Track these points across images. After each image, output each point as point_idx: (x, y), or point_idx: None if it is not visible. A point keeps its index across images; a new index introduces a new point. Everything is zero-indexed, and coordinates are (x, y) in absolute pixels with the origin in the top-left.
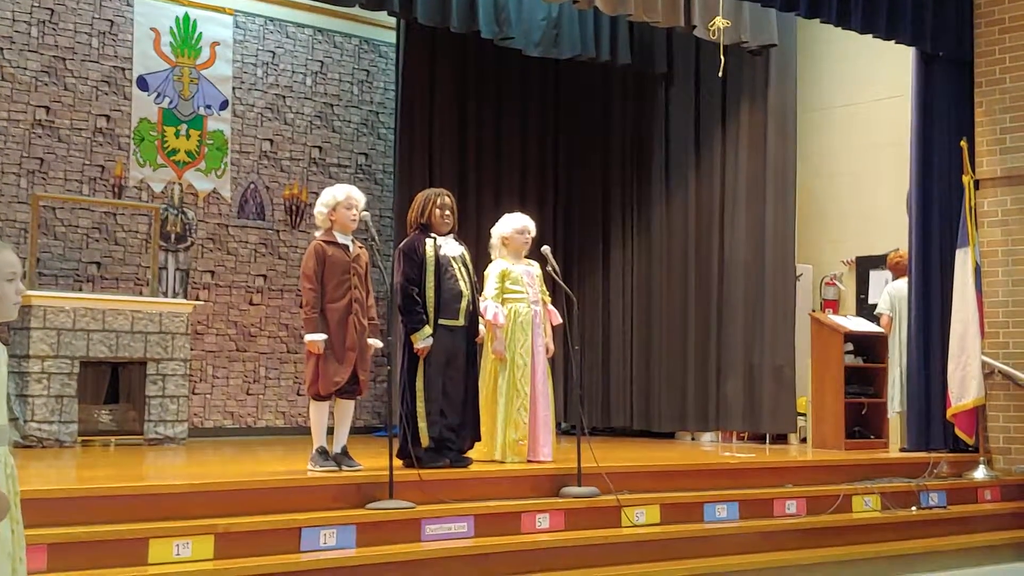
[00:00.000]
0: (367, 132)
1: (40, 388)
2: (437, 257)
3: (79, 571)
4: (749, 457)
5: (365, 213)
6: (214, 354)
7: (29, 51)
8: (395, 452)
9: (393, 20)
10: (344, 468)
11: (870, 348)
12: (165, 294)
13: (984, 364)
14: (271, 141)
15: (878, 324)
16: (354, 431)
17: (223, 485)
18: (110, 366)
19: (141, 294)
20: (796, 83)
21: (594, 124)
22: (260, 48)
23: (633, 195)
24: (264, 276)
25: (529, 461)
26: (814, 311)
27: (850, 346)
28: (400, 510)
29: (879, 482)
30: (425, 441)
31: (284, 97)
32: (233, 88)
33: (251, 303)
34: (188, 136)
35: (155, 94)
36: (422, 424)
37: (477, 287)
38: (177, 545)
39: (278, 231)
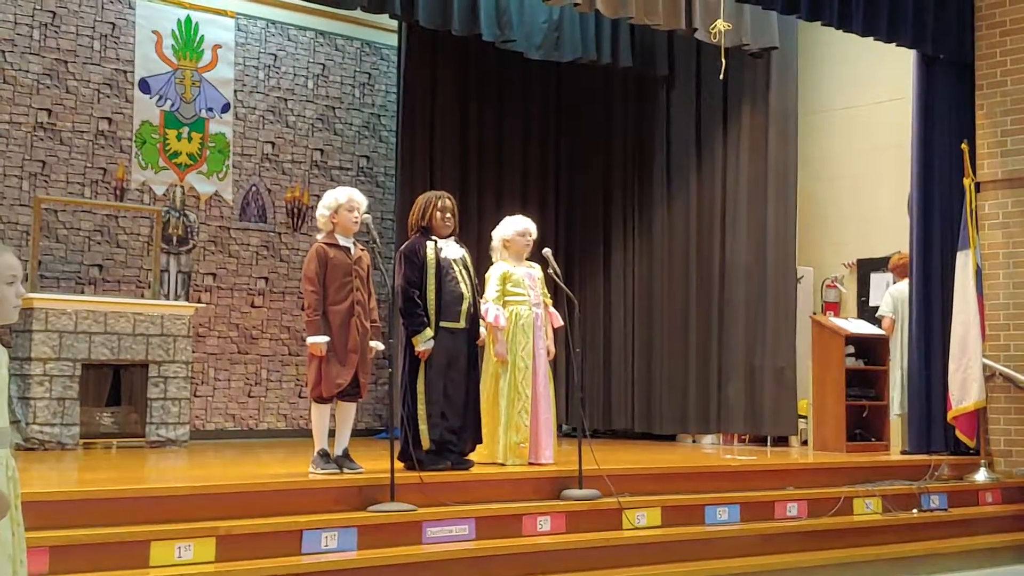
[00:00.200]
0: (369, 135)
1: (42, 390)
2: (438, 260)
3: (80, 573)
4: (750, 459)
5: (367, 215)
6: (216, 356)
7: (31, 54)
8: (396, 455)
9: (394, 23)
10: (345, 471)
11: (871, 350)
12: (167, 296)
13: (985, 367)
14: (273, 144)
15: (880, 326)
16: (355, 433)
17: (225, 487)
18: (112, 368)
19: (143, 297)
20: (797, 85)
21: (595, 127)
22: (262, 51)
23: (634, 197)
24: (266, 279)
25: (531, 463)
26: (815, 313)
27: (851, 348)
28: (401, 513)
29: (880, 484)
30: (426, 444)
31: (286, 100)
32: (235, 91)
33: (253, 305)
34: (190, 139)
35: (157, 97)
36: (423, 427)
37: (478, 289)
38: (179, 547)
39: (280, 234)
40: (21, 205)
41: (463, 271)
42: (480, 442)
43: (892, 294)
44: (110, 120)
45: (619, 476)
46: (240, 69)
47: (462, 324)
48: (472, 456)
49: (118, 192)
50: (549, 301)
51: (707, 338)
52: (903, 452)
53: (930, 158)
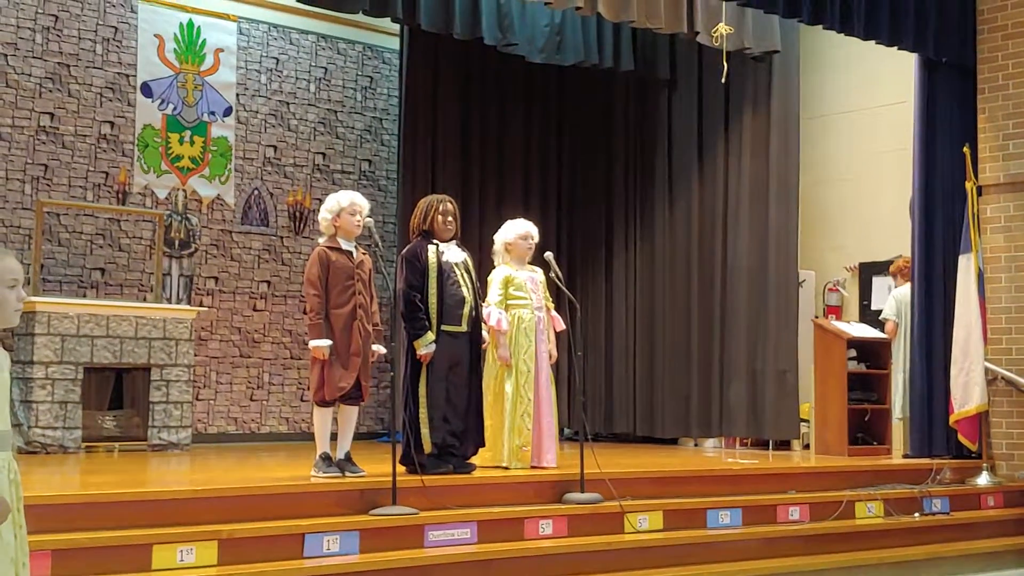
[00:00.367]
0: (370, 138)
1: (44, 394)
2: (440, 263)
3: None
4: (752, 463)
5: (369, 219)
6: (218, 360)
7: (33, 57)
8: (398, 458)
9: (396, 27)
10: (347, 474)
11: (873, 354)
12: (169, 300)
13: (987, 370)
14: (275, 147)
15: (883, 330)
16: (356, 437)
17: (227, 491)
18: (114, 372)
19: (145, 300)
20: (799, 89)
21: (597, 130)
22: (264, 55)
23: (636, 201)
24: (268, 282)
25: (533, 467)
26: (817, 317)
27: (853, 352)
28: (403, 516)
29: (882, 488)
30: (428, 447)
31: (288, 103)
32: (237, 94)
33: (255, 309)
34: (192, 142)
35: (159, 100)
36: (425, 430)
37: (479, 293)
38: (181, 551)
39: (282, 237)
40: (23, 209)
41: (465, 275)
42: (483, 445)
43: (896, 297)
44: (112, 124)
45: (621, 480)
46: (242, 73)
47: (464, 328)
48: (475, 460)
49: (120, 196)
50: (551, 305)
51: (709, 341)
52: (905, 456)
53: (932, 162)
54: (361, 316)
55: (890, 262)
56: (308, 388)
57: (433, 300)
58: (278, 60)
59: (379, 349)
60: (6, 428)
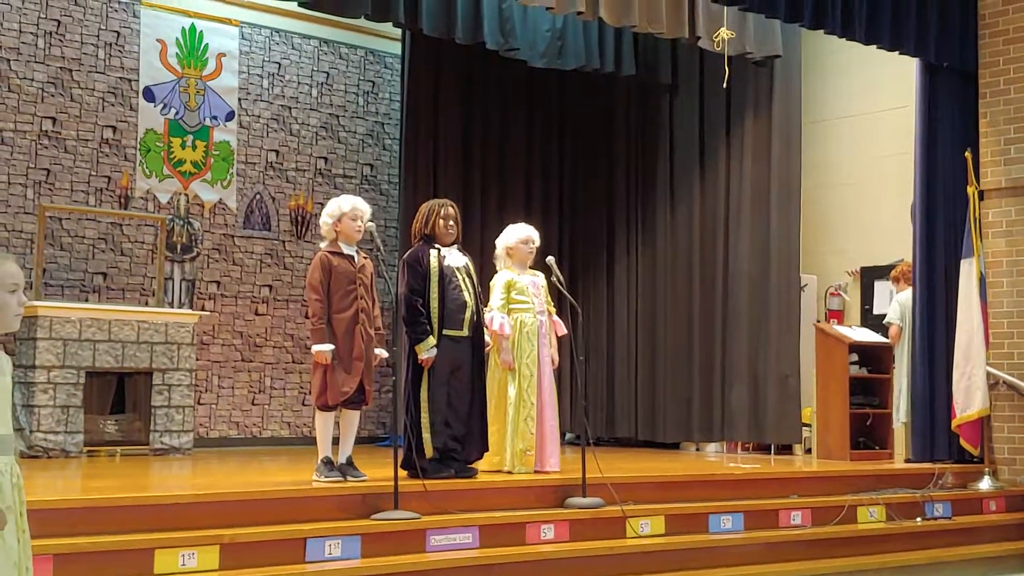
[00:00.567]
0: (372, 143)
1: (46, 398)
2: (441, 268)
3: None
4: (754, 468)
5: (371, 224)
6: (219, 364)
7: (36, 62)
8: (399, 463)
9: (398, 31)
10: (349, 478)
11: (875, 358)
12: (171, 304)
13: (989, 375)
14: (277, 152)
15: (886, 334)
16: (358, 441)
17: (228, 495)
18: (116, 376)
19: (147, 304)
20: (800, 94)
21: (598, 135)
22: (266, 59)
23: (637, 205)
24: (270, 286)
25: (536, 471)
26: (819, 321)
27: (855, 356)
28: (405, 521)
29: (884, 493)
30: (429, 452)
31: (290, 108)
32: (239, 99)
33: (256, 313)
34: (194, 147)
35: (161, 105)
36: (426, 435)
37: (481, 298)
38: (183, 555)
39: (284, 241)
40: (26, 213)
41: (466, 279)
42: (487, 450)
43: (900, 302)
44: (114, 128)
45: (623, 484)
46: (244, 77)
47: (465, 332)
48: (480, 464)
49: (122, 200)
50: (553, 309)
51: (710, 346)
52: (907, 460)
53: (933, 166)
54: (363, 320)
55: (891, 266)
56: (310, 392)
57: (435, 304)
58: (280, 65)
59: (381, 353)
60: (8, 432)
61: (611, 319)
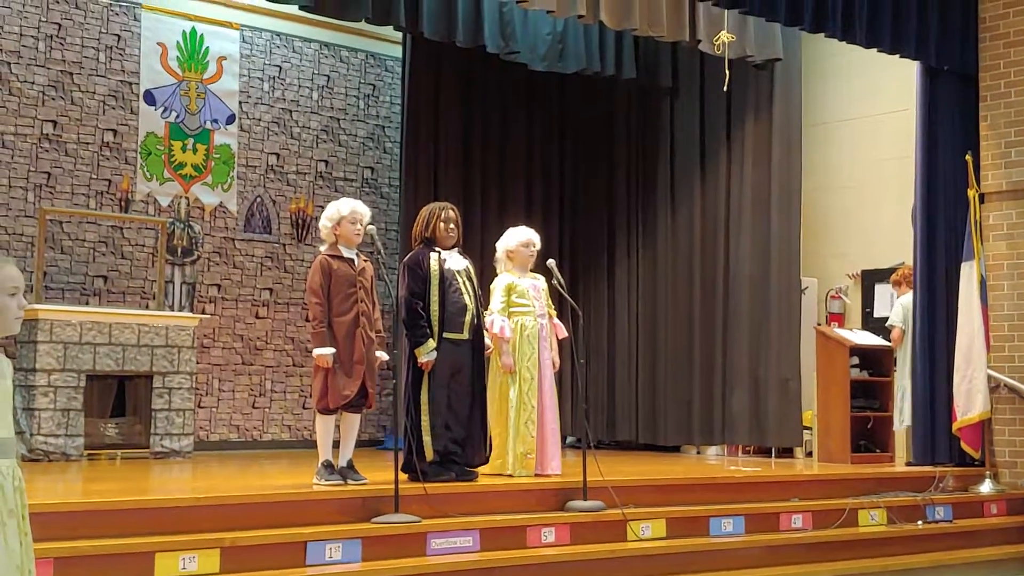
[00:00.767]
0: (373, 146)
1: (47, 402)
2: (442, 271)
3: None
4: (755, 471)
5: (371, 227)
6: (220, 367)
7: (36, 65)
8: (400, 466)
9: (399, 35)
10: (350, 482)
11: (876, 362)
12: (171, 308)
13: (990, 378)
14: (277, 155)
15: (887, 337)
16: (358, 445)
17: (229, 499)
18: (116, 380)
19: (147, 308)
20: (801, 97)
21: (599, 138)
22: (267, 62)
23: (638, 209)
24: (270, 290)
25: (537, 474)
26: (819, 324)
27: (856, 360)
28: (405, 524)
29: (885, 496)
30: (430, 455)
31: (290, 111)
32: (240, 102)
33: (257, 316)
34: (195, 150)
35: (162, 108)
36: (427, 438)
37: (481, 301)
38: (183, 559)
39: (284, 245)
40: (26, 216)
41: (467, 282)
42: (489, 453)
43: (903, 304)
44: (115, 131)
45: (623, 487)
46: (245, 81)
47: (465, 335)
48: (485, 467)
49: (123, 203)
50: (553, 312)
51: (711, 349)
52: (908, 463)
53: (934, 169)
54: (364, 324)
55: (892, 269)
56: (310, 396)
57: (435, 307)
58: (281, 68)
59: (381, 356)
60: (10, 435)
61: (612, 322)
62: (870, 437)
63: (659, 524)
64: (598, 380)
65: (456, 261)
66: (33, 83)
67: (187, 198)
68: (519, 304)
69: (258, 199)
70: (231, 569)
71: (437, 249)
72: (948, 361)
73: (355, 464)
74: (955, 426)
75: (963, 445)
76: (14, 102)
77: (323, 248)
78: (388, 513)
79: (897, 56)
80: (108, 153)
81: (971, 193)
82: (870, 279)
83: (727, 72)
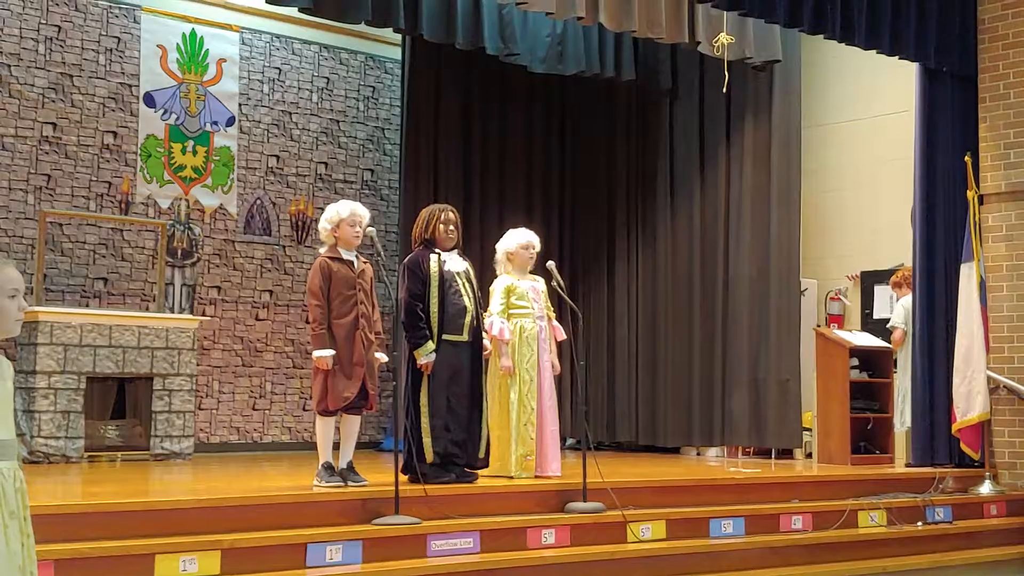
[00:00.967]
0: (373, 148)
1: (47, 404)
2: (441, 272)
3: None
4: (755, 472)
5: (371, 228)
6: (220, 369)
7: (36, 68)
8: (400, 467)
9: (399, 37)
10: (350, 483)
11: (875, 363)
12: (171, 310)
13: (989, 379)
14: (277, 157)
15: (888, 338)
16: (358, 446)
17: (229, 500)
18: (116, 382)
19: (148, 310)
20: (800, 98)
21: (599, 139)
22: (266, 65)
23: (638, 210)
24: (270, 291)
25: (537, 476)
26: (819, 326)
27: (855, 361)
28: (406, 525)
29: (885, 497)
30: (430, 456)
31: (290, 113)
32: (239, 104)
33: (257, 318)
34: (195, 152)
35: (162, 111)
36: (427, 440)
37: (481, 302)
38: (183, 561)
39: (284, 247)
40: (26, 219)
41: (466, 284)
42: (488, 464)
43: (904, 306)
44: (115, 134)
45: (623, 489)
46: (245, 83)
47: (465, 337)
48: (483, 470)
49: (123, 205)
50: (552, 314)
51: (711, 350)
52: (908, 465)
53: (933, 170)
54: (363, 326)
55: (891, 271)
56: (310, 397)
57: (435, 309)
58: (280, 70)
59: (381, 357)
60: (11, 437)
61: (611, 323)
62: (870, 438)
63: (659, 525)
64: (598, 382)
65: (456, 263)
66: (33, 85)
67: (187, 200)
68: (518, 306)
69: (258, 201)
70: (231, 571)
71: (437, 251)
72: (947, 362)
73: (355, 466)
74: (955, 427)
75: (963, 446)
76: (14, 104)
77: (323, 250)
78: (388, 515)
79: (896, 58)
80: (108, 155)
81: (970, 195)
82: (869, 280)
83: (726, 73)
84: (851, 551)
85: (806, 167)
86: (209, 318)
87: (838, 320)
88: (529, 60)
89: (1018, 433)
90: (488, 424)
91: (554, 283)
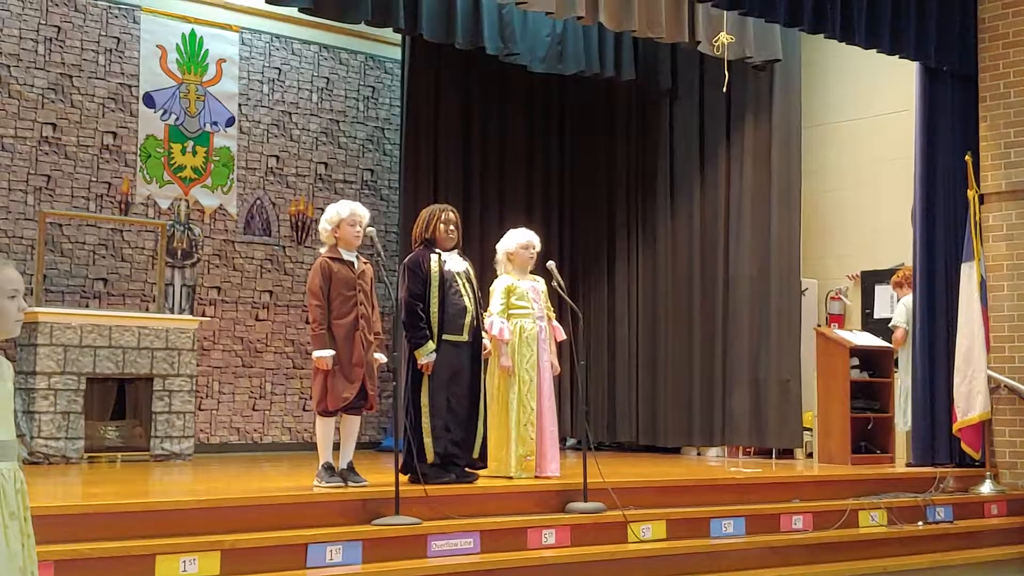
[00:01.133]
0: (373, 148)
1: (47, 404)
2: (442, 272)
3: None
4: (755, 472)
5: (371, 229)
6: (220, 370)
7: (36, 68)
8: (400, 468)
9: (398, 37)
10: (350, 484)
11: (876, 362)
12: (171, 310)
13: (990, 378)
14: (277, 157)
15: (889, 338)
16: (358, 447)
17: (229, 501)
18: (116, 382)
19: (147, 310)
20: (800, 98)
21: (599, 140)
22: (266, 65)
23: (638, 210)
24: (270, 292)
25: (537, 476)
26: (819, 325)
27: (856, 360)
28: (406, 526)
29: (885, 497)
30: (430, 457)
31: (290, 114)
32: (239, 105)
33: (257, 319)
34: (194, 153)
35: (161, 111)
36: (427, 440)
37: (481, 302)
38: (184, 561)
39: (284, 247)
40: (26, 219)
41: (466, 284)
42: (485, 456)
43: (906, 305)
44: (115, 134)
45: (624, 489)
46: (244, 83)
47: (465, 337)
48: (483, 471)
49: (123, 206)
50: (552, 314)
51: (711, 350)
52: (908, 464)
53: (933, 170)
54: (363, 326)
55: (892, 270)
56: (310, 398)
57: (435, 309)
58: (280, 70)
59: (380, 358)
60: (11, 438)
61: (612, 323)
62: (870, 438)
63: (659, 526)
64: (598, 382)
65: (456, 263)
66: (32, 86)
67: (187, 200)
68: (518, 306)
69: (258, 201)
70: (231, 571)
71: (437, 251)
72: (948, 362)
73: (355, 466)
74: (955, 427)
75: (963, 446)
76: (13, 105)
77: (323, 250)
78: (389, 515)
79: (896, 57)
80: (108, 156)
81: (971, 194)
82: (870, 280)
83: (726, 73)
84: (852, 551)
85: (806, 167)
86: (209, 319)
87: (838, 320)
88: (529, 60)
89: (1019, 432)
90: (485, 424)
91: (554, 283)
